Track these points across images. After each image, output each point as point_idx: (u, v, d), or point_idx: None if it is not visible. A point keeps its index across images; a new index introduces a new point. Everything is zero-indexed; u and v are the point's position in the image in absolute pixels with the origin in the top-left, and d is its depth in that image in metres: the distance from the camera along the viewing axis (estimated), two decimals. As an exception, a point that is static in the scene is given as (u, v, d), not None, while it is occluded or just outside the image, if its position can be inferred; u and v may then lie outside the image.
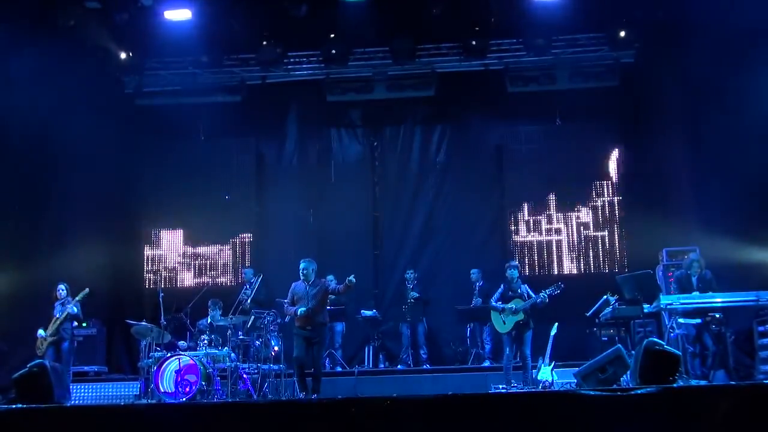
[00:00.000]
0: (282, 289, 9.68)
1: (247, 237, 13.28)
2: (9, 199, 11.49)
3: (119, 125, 12.90)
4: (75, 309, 10.03)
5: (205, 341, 9.70)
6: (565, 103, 12.68)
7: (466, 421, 4.66)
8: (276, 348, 10.00)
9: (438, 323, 12.36)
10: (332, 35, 12.27)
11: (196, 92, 12.95)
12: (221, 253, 13.28)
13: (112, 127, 12.54)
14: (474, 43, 12.13)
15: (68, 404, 7.02)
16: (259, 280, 11.03)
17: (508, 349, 9.71)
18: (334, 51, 12.35)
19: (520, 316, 9.59)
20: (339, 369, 11.58)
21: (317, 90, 13.21)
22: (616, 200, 12.84)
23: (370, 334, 12.22)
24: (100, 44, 11.74)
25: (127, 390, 10.50)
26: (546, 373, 9.29)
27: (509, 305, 9.64)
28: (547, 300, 9.48)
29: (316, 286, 9.07)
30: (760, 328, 9.39)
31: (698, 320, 9.35)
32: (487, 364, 11.30)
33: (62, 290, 10.26)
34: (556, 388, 8.99)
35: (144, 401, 9.34)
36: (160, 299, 10.08)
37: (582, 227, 12.84)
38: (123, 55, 12.23)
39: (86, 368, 11.37)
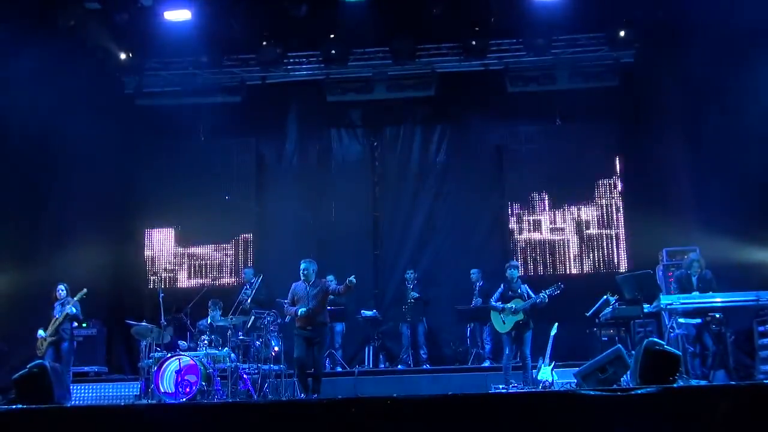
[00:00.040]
0: (282, 290, 9.68)
1: (247, 237, 13.28)
2: (9, 199, 11.49)
3: (119, 125, 12.91)
4: (74, 309, 10.03)
5: (206, 341, 9.70)
6: (565, 103, 12.69)
7: (466, 421, 4.66)
8: (276, 348, 10.00)
9: (438, 323, 12.36)
10: (332, 35, 12.28)
11: (196, 92, 12.96)
12: (221, 254, 13.27)
13: (112, 128, 12.55)
14: (474, 43, 12.14)
15: (68, 405, 7.01)
16: (259, 280, 11.02)
17: (507, 349, 9.72)
18: (334, 51, 12.35)
19: (520, 316, 9.60)
20: (339, 369, 11.58)
21: (317, 90, 13.22)
22: (615, 200, 12.84)
23: (370, 334, 12.22)
24: (100, 44, 11.74)
25: (127, 390, 10.50)
26: (546, 373, 9.29)
27: (509, 305, 9.64)
28: (547, 300, 9.48)
29: (316, 286, 9.07)
30: (760, 328, 9.38)
31: (698, 320, 9.36)
32: (487, 364, 11.30)
33: (62, 290, 10.26)
34: (556, 388, 8.99)
35: (144, 402, 9.34)
36: (161, 299, 10.09)
37: (582, 227, 12.83)
38: (123, 56, 12.24)
39: (86, 369, 11.37)
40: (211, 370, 9.25)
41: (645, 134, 12.66)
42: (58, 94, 11.21)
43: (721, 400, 4.62)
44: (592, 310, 10.05)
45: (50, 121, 11.44)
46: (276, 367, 9.90)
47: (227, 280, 13.16)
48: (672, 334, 9.25)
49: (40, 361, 7.68)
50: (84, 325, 11.41)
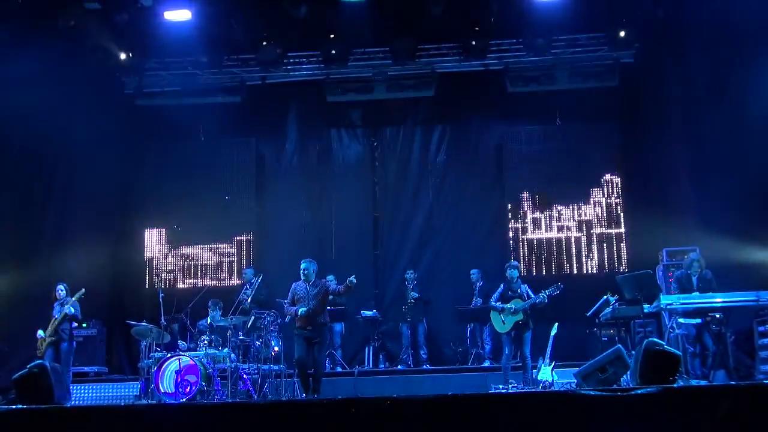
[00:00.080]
0: (282, 290, 9.68)
1: (248, 237, 13.28)
2: (9, 199, 11.49)
3: (119, 126, 12.92)
4: (72, 309, 10.00)
5: (205, 342, 9.70)
6: (565, 103, 12.69)
7: (467, 422, 4.66)
8: (276, 348, 10.00)
9: (438, 323, 12.36)
10: (332, 35, 12.26)
11: (196, 93, 12.97)
12: (221, 254, 13.27)
13: (112, 128, 12.56)
14: (474, 43, 12.13)
15: (68, 405, 7.01)
16: (260, 280, 11.02)
17: (507, 349, 9.72)
18: (334, 51, 12.35)
19: (520, 317, 9.60)
20: (339, 369, 11.58)
21: (317, 90, 13.22)
22: (615, 200, 12.83)
23: (370, 334, 12.22)
24: (100, 44, 11.73)
25: (127, 390, 10.50)
26: (546, 374, 9.29)
27: (509, 306, 9.64)
28: (547, 300, 9.49)
29: (316, 286, 9.08)
30: (760, 328, 9.38)
31: (698, 320, 9.35)
32: (487, 364, 11.30)
33: (61, 290, 10.24)
34: (556, 389, 8.98)
35: (144, 402, 9.34)
36: (161, 300, 10.09)
37: (582, 227, 12.83)
38: (123, 56, 12.23)
39: (86, 369, 11.37)
40: (211, 371, 9.25)
41: (645, 134, 12.67)
42: (58, 94, 11.22)
43: (721, 400, 4.62)
44: (592, 311, 10.05)
45: (50, 122, 11.44)
46: (276, 367, 9.90)
47: (227, 280, 13.15)
48: (672, 334, 9.25)
49: (40, 361, 7.67)
50: (84, 325, 11.41)
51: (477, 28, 12.05)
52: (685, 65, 11.40)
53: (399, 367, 11.73)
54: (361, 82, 13.06)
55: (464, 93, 13.13)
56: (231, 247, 13.26)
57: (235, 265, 13.17)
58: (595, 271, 12.62)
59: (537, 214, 12.92)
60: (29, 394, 6.51)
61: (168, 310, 10.15)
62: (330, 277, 10.41)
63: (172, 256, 13.30)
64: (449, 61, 12.73)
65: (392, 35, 12.19)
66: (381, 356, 12.24)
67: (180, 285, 13.12)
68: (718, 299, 9.07)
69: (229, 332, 9.61)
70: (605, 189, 12.88)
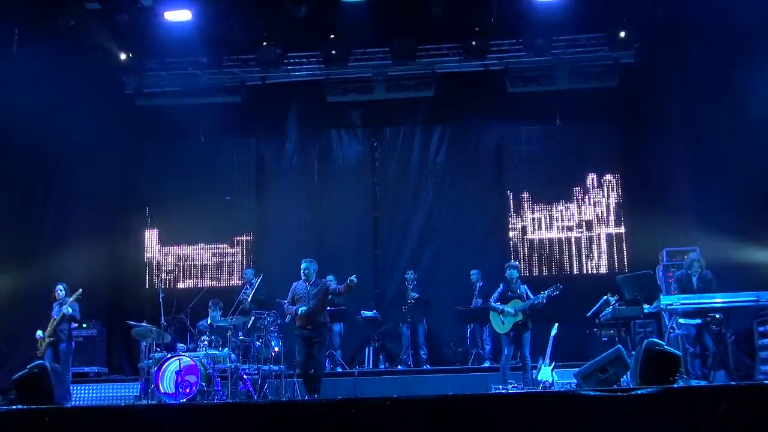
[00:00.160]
0: (282, 290, 9.68)
1: (248, 237, 13.28)
2: (9, 199, 11.49)
3: (119, 126, 12.93)
4: (70, 310, 9.97)
5: (206, 342, 9.70)
6: (565, 103, 12.69)
7: (467, 422, 4.66)
8: (276, 349, 10.00)
9: (438, 324, 12.36)
10: (332, 36, 12.27)
11: (197, 93, 12.98)
12: (221, 254, 13.27)
13: (112, 128, 12.57)
14: (474, 43, 12.13)
15: (68, 405, 7.01)
16: (260, 280, 11.02)
17: (506, 349, 9.71)
18: (334, 51, 12.36)
19: (519, 317, 9.59)
20: (339, 369, 11.58)
21: (317, 90, 13.22)
22: (615, 200, 12.83)
23: (370, 334, 12.22)
24: (101, 45, 11.74)
25: (127, 391, 10.49)
26: (546, 374, 9.28)
27: (508, 308, 9.62)
28: (545, 301, 9.48)
29: (316, 286, 9.09)
30: (761, 329, 9.38)
31: (698, 320, 9.35)
32: (487, 364, 11.30)
33: (61, 291, 10.23)
34: (557, 389, 8.98)
35: (144, 402, 9.33)
36: (161, 300, 10.09)
37: (582, 227, 12.84)
38: (123, 56, 12.24)
39: (86, 369, 11.36)
40: (211, 371, 9.25)
41: (645, 134, 12.67)
42: (58, 94, 11.22)
43: (721, 400, 4.62)
44: (592, 311, 10.04)
45: (50, 122, 11.43)
46: (276, 368, 9.89)
47: (227, 280, 13.16)
48: (672, 335, 9.25)
49: (40, 361, 7.67)
50: (84, 325, 11.41)
51: (477, 29, 12.06)
52: (685, 65, 11.40)
53: (399, 367, 11.73)
54: (361, 82, 13.07)
55: (464, 93, 13.14)
56: (231, 248, 13.26)
57: (235, 265, 13.18)
58: (594, 272, 12.63)
59: (537, 215, 12.93)
60: (29, 395, 6.51)
61: (168, 311, 10.15)
62: (330, 277, 10.41)
63: (172, 257, 13.31)
64: (449, 61, 12.73)
65: (392, 35, 12.20)
66: (381, 356, 12.24)
67: (180, 285, 13.12)
68: (718, 299, 9.06)
69: (229, 332, 9.61)
70: (605, 189, 12.88)
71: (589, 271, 12.67)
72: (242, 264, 13.03)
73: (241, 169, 13.53)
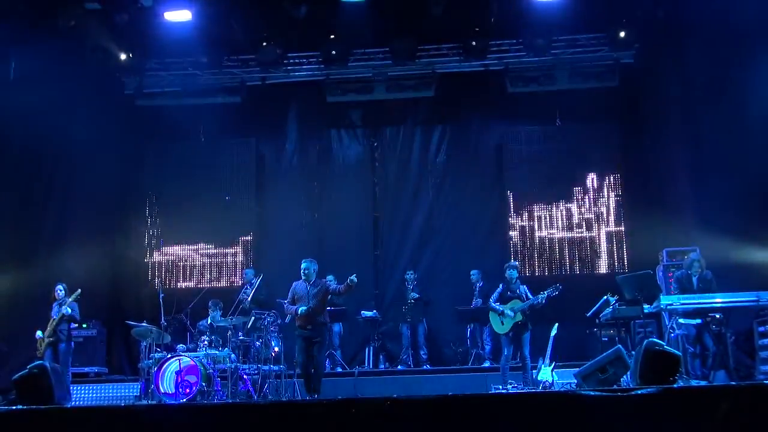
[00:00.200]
0: (282, 290, 9.68)
1: (248, 237, 13.27)
2: (9, 199, 11.49)
3: (119, 126, 12.93)
4: (69, 310, 9.97)
5: (206, 342, 9.70)
6: (565, 104, 12.69)
7: (467, 422, 4.66)
8: (276, 349, 10.00)
9: (438, 324, 12.36)
10: (332, 36, 12.28)
11: (197, 93, 12.98)
12: (221, 254, 13.27)
13: (112, 128, 12.57)
14: (474, 43, 12.14)
15: (68, 405, 7.01)
16: (260, 280, 11.02)
17: (506, 350, 9.70)
18: (334, 52, 12.36)
19: (519, 317, 9.59)
20: (339, 369, 11.58)
21: (317, 91, 13.23)
22: (615, 200, 12.83)
23: (370, 334, 12.22)
24: (101, 45, 11.74)
25: (127, 391, 10.50)
26: (546, 374, 9.28)
27: (508, 311, 9.60)
28: (545, 302, 9.48)
29: (316, 285, 9.09)
30: (761, 329, 9.37)
31: (698, 320, 9.34)
32: (487, 364, 11.30)
33: (60, 291, 10.24)
34: (557, 389, 8.98)
35: (144, 402, 9.33)
36: (161, 300, 10.09)
37: (582, 227, 12.83)
38: (123, 56, 12.24)
39: (86, 369, 11.36)
40: (211, 371, 9.25)
41: (645, 134, 12.67)
42: (58, 94, 11.22)
43: (721, 400, 4.62)
44: (592, 311, 10.04)
45: (50, 122, 11.44)
46: (276, 368, 9.89)
47: (227, 280, 13.16)
48: (672, 335, 9.24)
49: (41, 361, 7.67)
50: (84, 325, 11.41)
51: (477, 29, 12.07)
52: (684, 65, 11.40)
53: (399, 367, 11.73)
54: (361, 82, 13.07)
55: (464, 93, 13.14)
56: (231, 248, 13.26)
57: (235, 265, 13.17)
58: (594, 272, 12.63)
59: (537, 215, 12.92)
60: (29, 395, 6.51)
61: (168, 311, 10.15)
62: (330, 277, 10.40)
63: (172, 257, 13.30)
64: (449, 61, 12.73)
65: (392, 35, 12.20)
66: (381, 356, 12.24)
67: (180, 285, 13.12)
68: (718, 299, 9.06)
69: (230, 332, 9.61)
70: (605, 189, 12.88)
71: (589, 271, 12.67)
72: (242, 264, 13.03)
73: (241, 169, 13.53)
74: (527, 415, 4.71)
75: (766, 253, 9.98)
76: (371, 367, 11.94)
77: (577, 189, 12.89)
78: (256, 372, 9.64)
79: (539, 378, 9.30)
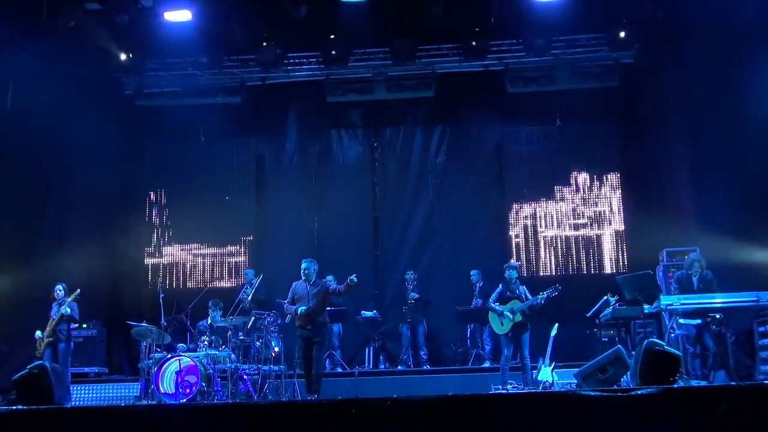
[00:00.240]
0: (282, 290, 9.68)
1: (248, 237, 13.27)
2: (9, 199, 11.49)
3: (119, 126, 12.94)
4: (68, 310, 9.97)
5: (206, 342, 9.70)
6: (565, 104, 12.70)
7: (467, 422, 4.66)
8: (276, 349, 10.00)
9: (438, 324, 12.36)
10: (332, 36, 12.29)
11: (197, 93, 12.99)
12: (221, 254, 13.26)
13: (112, 128, 12.57)
14: (474, 43, 12.15)
15: (68, 406, 7.01)
16: (259, 280, 11.02)
17: (506, 350, 9.70)
18: (334, 52, 12.36)
19: (518, 318, 9.59)
20: (339, 370, 11.58)
21: (317, 91, 13.23)
22: (615, 200, 12.83)
23: (370, 334, 12.22)
24: (101, 45, 11.75)
25: (127, 391, 10.49)
26: (546, 374, 9.28)
27: (507, 312, 9.60)
28: (544, 302, 9.48)
29: (316, 285, 9.09)
30: (761, 329, 9.37)
31: (698, 321, 9.34)
32: (487, 364, 11.30)
33: (60, 291, 10.24)
34: (557, 389, 8.98)
35: (144, 402, 9.33)
36: (161, 300, 10.09)
37: (582, 227, 12.83)
38: (123, 56, 12.25)
39: (86, 369, 11.36)
40: (211, 371, 9.24)
41: (645, 134, 12.67)
42: (58, 94, 11.22)
43: (721, 400, 4.62)
44: (592, 311, 10.04)
45: (50, 122, 11.44)
46: (276, 368, 9.89)
47: (227, 280, 13.16)
48: (672, 335, 9.24)
49: (40, 362, 7.67)
50: (84, 326, 11.41)
51: (477, 29, 12.08)
52: (684, 65, 11.39)
53: (399, 367, 11.73)
54: (361, 82, 13.08)
55: (464, 93, 13.15)
56: (231, 248, 13.25)
57: (235, 265, 13.17)
58: (594, 271, 12.62)
59: (537, 214, 12.92)
60: (29, 395, 6.51)
61: (168, 311, 10.15)
62: (330, 277, 10.41)
63: (172, 257, 13.30)
64: (449, 61, 12.74)
65: (392, 35, 12.21)
66: (381, 357, 12.24)
67: (180, 285, 13.12)
68: (719, 300, 9.05)
69: (230, 333, 9.61)
70: (605, 189, 12.88)
71: (589, 271, 12.66)
72: (242, 264, 13.02)
73: (241, 169, 13.53)
74: (527, 416, 4.71)
75: (766, 253, 9.97)
76: (371, 367, 11.95)
77: (576, 189, 12.88)
78: (256, 372, 9.64)
79: (539, 378, 9.30)
